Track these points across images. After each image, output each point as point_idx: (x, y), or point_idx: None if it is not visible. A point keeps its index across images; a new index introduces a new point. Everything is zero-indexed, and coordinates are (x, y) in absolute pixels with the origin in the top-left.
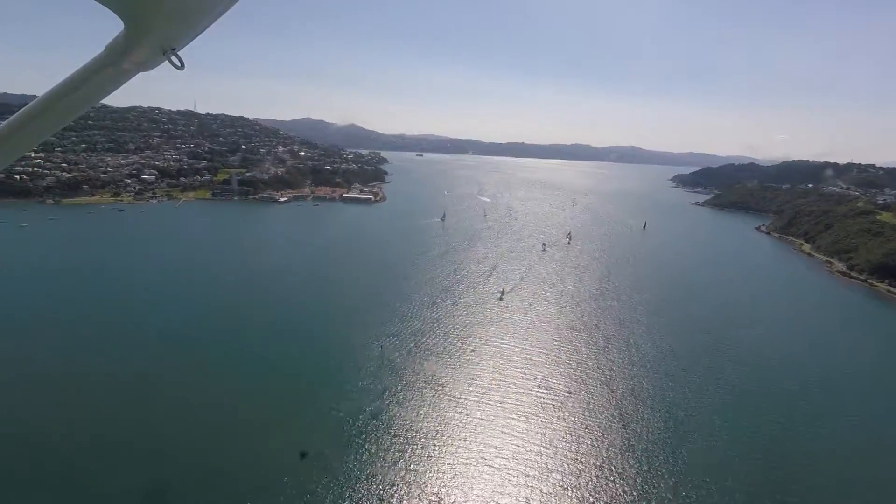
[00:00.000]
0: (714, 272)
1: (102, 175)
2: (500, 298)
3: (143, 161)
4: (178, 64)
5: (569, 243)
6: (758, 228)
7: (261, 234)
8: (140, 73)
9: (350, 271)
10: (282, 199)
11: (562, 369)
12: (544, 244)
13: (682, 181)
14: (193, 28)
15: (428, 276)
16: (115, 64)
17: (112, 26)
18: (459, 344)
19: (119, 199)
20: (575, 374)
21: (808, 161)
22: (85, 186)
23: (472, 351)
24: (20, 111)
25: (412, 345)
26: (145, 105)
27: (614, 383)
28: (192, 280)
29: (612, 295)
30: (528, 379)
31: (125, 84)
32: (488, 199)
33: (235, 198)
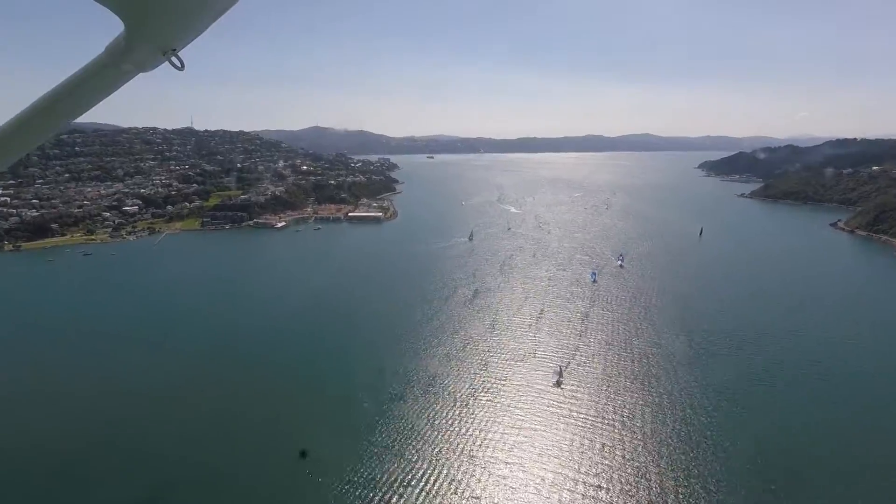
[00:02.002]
0: (818, 300)
1: (77, 210)
2: (558, 383)
3: (126, 190)
4: (178, 65)
5: (621, 266)
6: (834, 225)
7: (244, 276)
8: (140, 75)
9: (350, 332)
10: (279, 225)
11: None
12: (594, 272)
13: (712, 168)
14: (193, 28)
15: (458, 340)
16: (115, 64)
17: (112, 26)
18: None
19: (92, 237)
20: None
21: (855, 139)
22: (54, 225)
23: None
24: (20, 111)
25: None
26: (140, 126)
27: None
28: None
29: (720, 357)
30: None
31: (125, 88)
32: (514, 209)
33: (227, 226)
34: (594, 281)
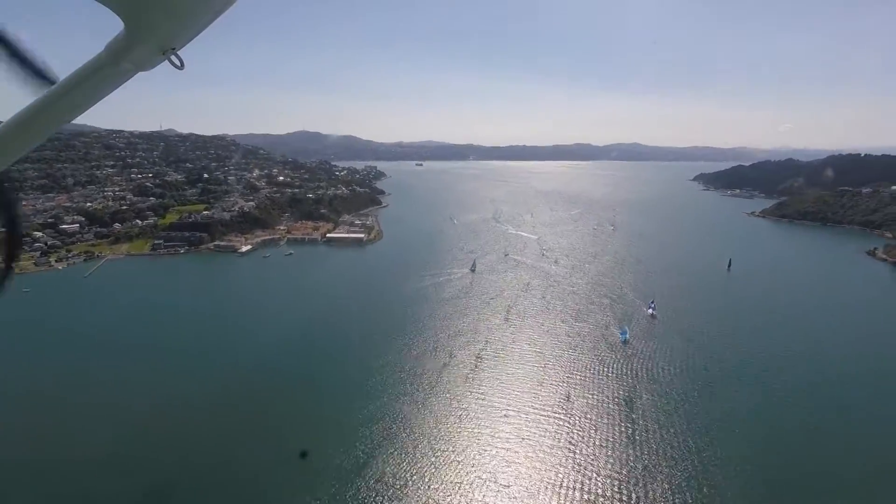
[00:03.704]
0: None
1: None
2: None
3: (67, 204)
4: (178, 64)
5: (653, 316)
6: (871, 254)
7: (176, 327)
8: (139, 74)
9: (290, 430)
10: (243, 249)
11: None
12: (624, 329)
13: (709, 182)
14: (193, 27)
15: (459, 461)
16: (115, 64)
17: (112, 26)
18: None
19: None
20: None
21: (859, 155)
22: None
23: None
24: (20, 111)
25: None
26: (104, 128)
27: None
28: None
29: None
30: None
31: (124, 85)
32: (512, 230)
33: (182, 250)
34: (625, 340)
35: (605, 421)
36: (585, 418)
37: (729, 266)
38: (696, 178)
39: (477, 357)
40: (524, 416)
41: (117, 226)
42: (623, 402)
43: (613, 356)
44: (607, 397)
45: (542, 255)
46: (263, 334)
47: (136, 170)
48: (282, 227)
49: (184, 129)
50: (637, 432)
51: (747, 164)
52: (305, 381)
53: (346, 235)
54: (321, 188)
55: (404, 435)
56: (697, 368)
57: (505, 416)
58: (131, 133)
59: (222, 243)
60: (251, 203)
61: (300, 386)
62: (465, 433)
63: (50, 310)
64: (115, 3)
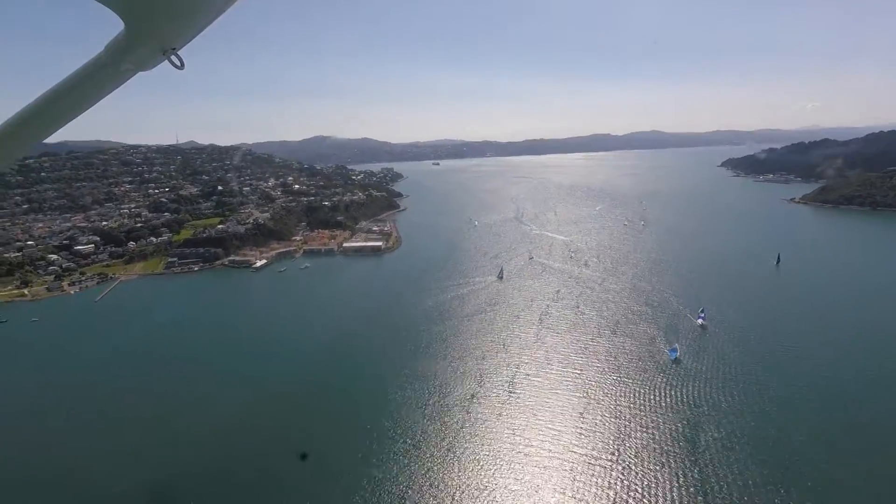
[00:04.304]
0: None
1: (14, 255)
2: None
3: (83, 224)
4: (178, 64)
5: (704, 327)
6: None
7: (185, 350)
8: (140, 73)
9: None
10: (258, 264)
11: None
12: (674, 347)
13: (739, 167)
14: (193, 27)
15: None
16: (115, 64)
17: (112, 26)
18: None
19: (24, 292)
20: None
21: None
22: None
23: None
24: (20, 111)
25: None
26: (125, 143)
27: None
28: None
29: None
30: None
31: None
32: (536, 230)
33: (196, 267)
34: (675, 359)
35: (668, 468)
36: (644, 465)
37: (778, 261)
38: (723, 164)
39: (510, 384)
40: (570, 463)
41: (132, 244)
42: (684, 441)
43: (665, 379)
44: (665, 435)
45: (571, 256)
46: (272, 356)
47: (152, 185)
48: (298, 238)
49: (204, 140)
50: (709, 485)
51: (778, 146)
52: (325, 417)
53: (364, 244)
54: (337, 194)
55: (435, 496)
56: (768, 392)
57: (545, 466)
58: (148, 148)
59: (237, 258)
60: (266, 214)
61: (318, 419)
62: (504, 492)
63: (56, 339)
64: (115, 3)
